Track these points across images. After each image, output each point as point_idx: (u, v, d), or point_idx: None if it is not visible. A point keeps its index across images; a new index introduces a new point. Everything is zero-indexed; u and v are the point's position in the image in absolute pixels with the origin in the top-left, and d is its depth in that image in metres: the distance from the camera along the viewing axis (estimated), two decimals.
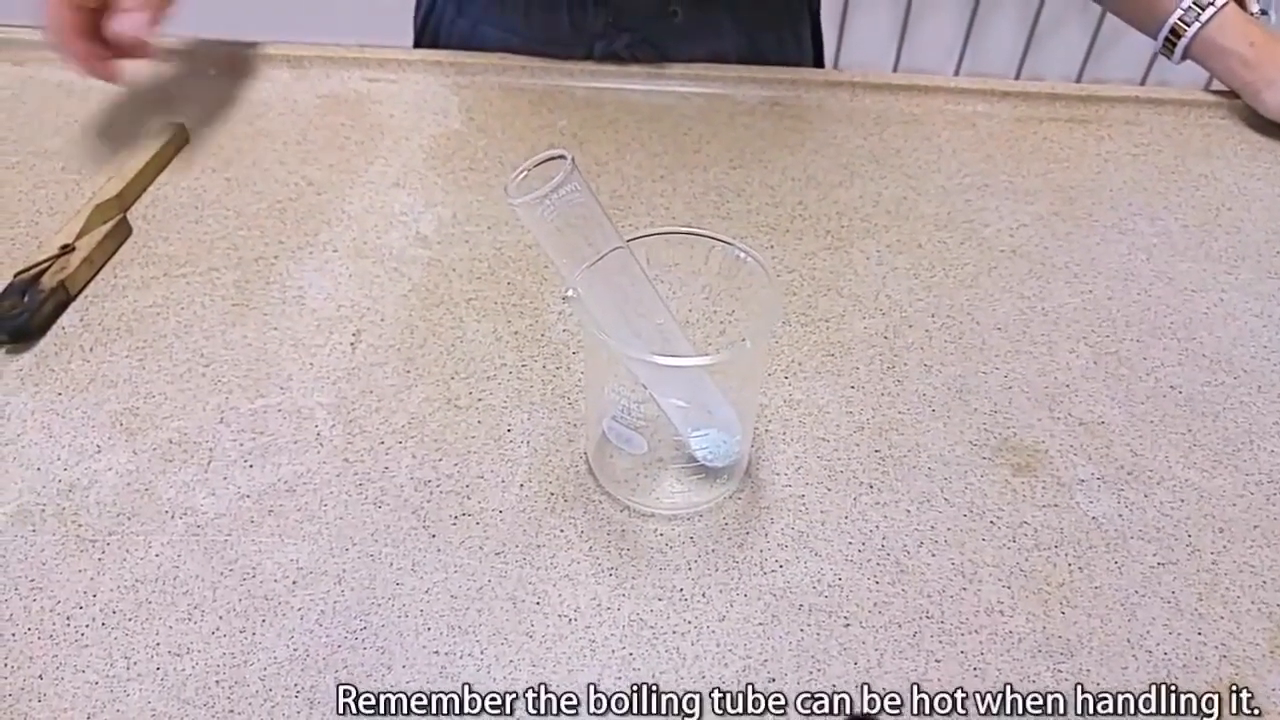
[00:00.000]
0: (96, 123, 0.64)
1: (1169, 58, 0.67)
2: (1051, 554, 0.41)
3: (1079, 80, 2.00)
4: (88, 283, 0.53)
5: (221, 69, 0.69)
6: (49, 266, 0.52)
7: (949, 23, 2.01)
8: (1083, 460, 0.45)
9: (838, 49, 2.03)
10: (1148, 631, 0.38)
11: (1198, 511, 0.42)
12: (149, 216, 0.57)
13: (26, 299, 0.50)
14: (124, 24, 0.53)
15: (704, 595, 0.40)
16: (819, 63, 0.82)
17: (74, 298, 0.52)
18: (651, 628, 0.39)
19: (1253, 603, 0.39)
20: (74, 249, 0.53)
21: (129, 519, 0.42)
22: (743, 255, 0.40)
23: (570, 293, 0.37)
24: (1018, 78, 2.05)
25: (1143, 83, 2.06)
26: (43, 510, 0.42)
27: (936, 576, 0.40)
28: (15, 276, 0.51)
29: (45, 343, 0.50)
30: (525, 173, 0.35)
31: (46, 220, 0.57)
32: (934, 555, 0.41)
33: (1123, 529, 0.42)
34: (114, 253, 0.55)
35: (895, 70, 2.08)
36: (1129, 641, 0.38)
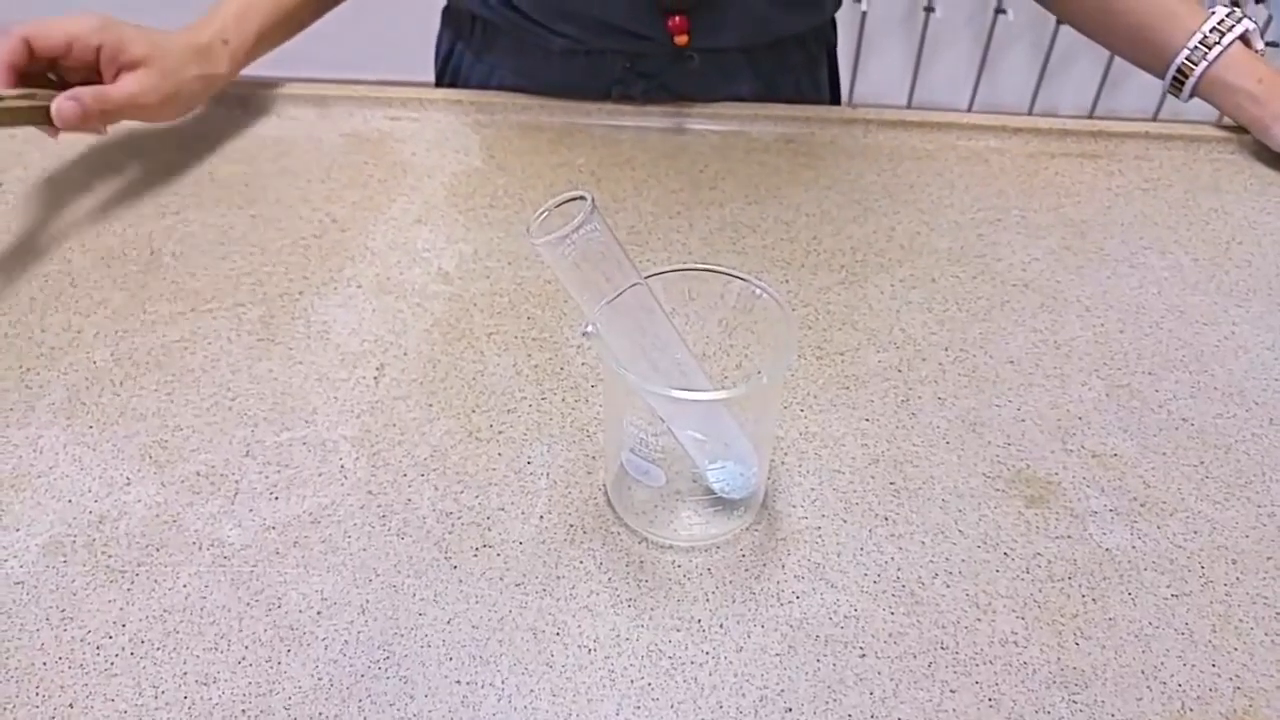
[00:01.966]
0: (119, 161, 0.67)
1: (1177, 96, 0.68)
2: (1065, 585, 0.42)
3: (1092, 113, 2.03)
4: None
5: (247, 107, 0.72)
6: None
7: (962, 57, 2.04)
8: (1096, 492, 0.46)
9: (852, 83, 2.07)
10: (1162, 663, 0.39)
11: (1211, 543, 0.43)
12: (176, 253, 0.59)
13: None
14: (63, 110, 0.58)
15: (721, 626, 0.41)
16: (835, 104, 0.84)
17: None
18: (670, 658, 0.39)
19: (1266, 634, 0.40)
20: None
21: (157, 550, 0.44)
22: (758, 290, 0.42)
23: (590, 328, 0.39)
24: (1031, 111, 2.08)
25: (1156, 116, 2.08)
26: (73, 541, 0.44)
27: (951, 608, 0.41)
28: None
29: (76, 377, 0.51)
30: (547, 212, 0.37)
31: (79, 258, 0.59)
32: (948, 586, 0.42)
33: (1136, 560, 0.43)
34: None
35: (909, 104, 2.11)
36: (1143, 673, 0.39)
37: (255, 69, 0.73)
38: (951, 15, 1.94)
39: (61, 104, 0.57)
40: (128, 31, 0.61)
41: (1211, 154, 0.69)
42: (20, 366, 0.52)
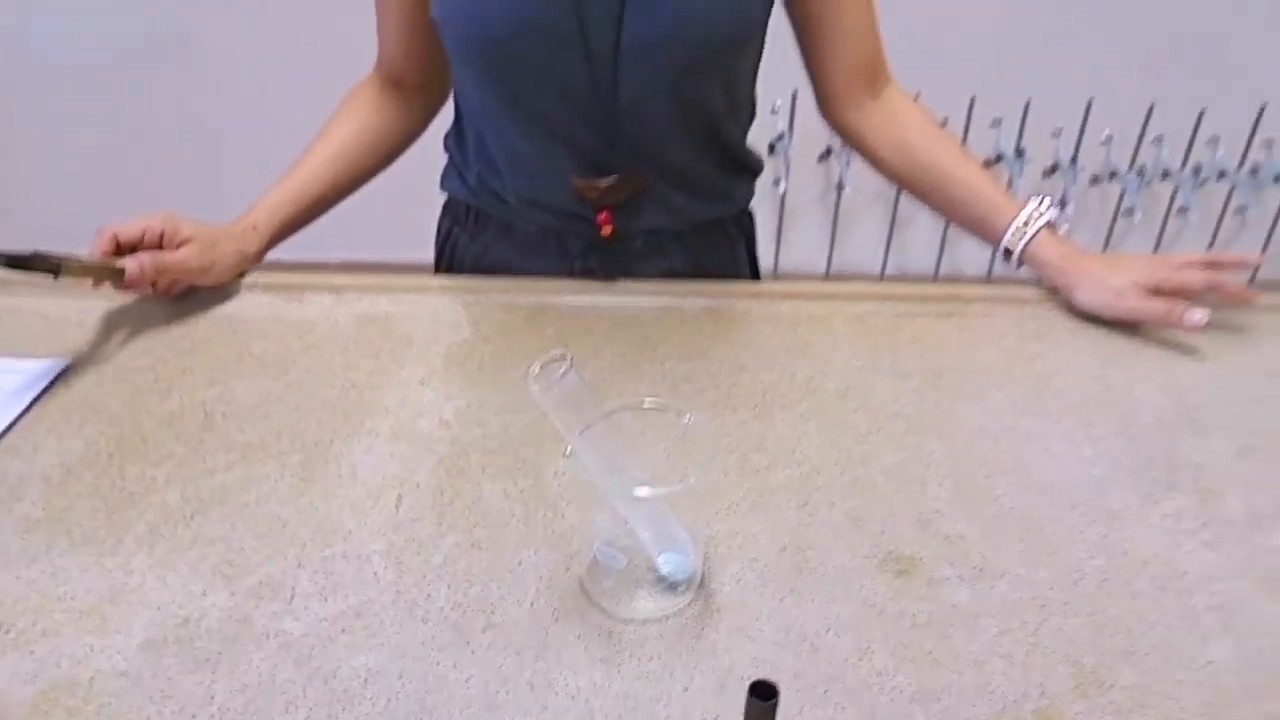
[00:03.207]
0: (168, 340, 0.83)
1: (1008, 264, 0.90)
2: (924, 631, 0.57)
3: (990, 272, 2.31)
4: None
5: (276, 296, 0.89)
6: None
7: (874, 227, 2.34)
8: (947, 565, 0.62)
9: (776, 254, 2.33)
10: (990, 679, 0.54)
11: (1027, 596, 0.59)
12: (226, 414, 0.74)
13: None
14: (130, 269, 0.81)
15: (671, 674, 0.55)
16: (755, 274, 1.06)
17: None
18: (634, 699, 0.53)
19: (1063, 656, 0.55)
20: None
21: (233, 642, 0.57)
22: (689, 421, 0.58)
23: (569, 450, 0.55)
24: (936, 273, 2.36)
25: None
26: (165, 639, 0.57)
27: (841, 652, 0.56)
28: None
29: (153, 514, 0.65)
30: (539, 367, 0.54)
31: (146, 421, 0.73)
32: (839, 637, 0.57)
33: (975, 611, 0.58)
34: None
35: (828, 271, 2.38)
36: (977, 688, 0.54)
37: (284, 256, 0.92)
38: (861, 192, 2.24)
39: (129, 264, 0.80)
40: (182, 220, 0.85)
41: (1036, 311, 0.89)
42: (107, 508, 0.65)
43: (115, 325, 0.84)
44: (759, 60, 0.90)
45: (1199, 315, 0.82)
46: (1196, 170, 2.13)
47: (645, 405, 0.59)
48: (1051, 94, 2.09)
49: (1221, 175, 2.17)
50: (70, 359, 0.79)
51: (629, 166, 0.87)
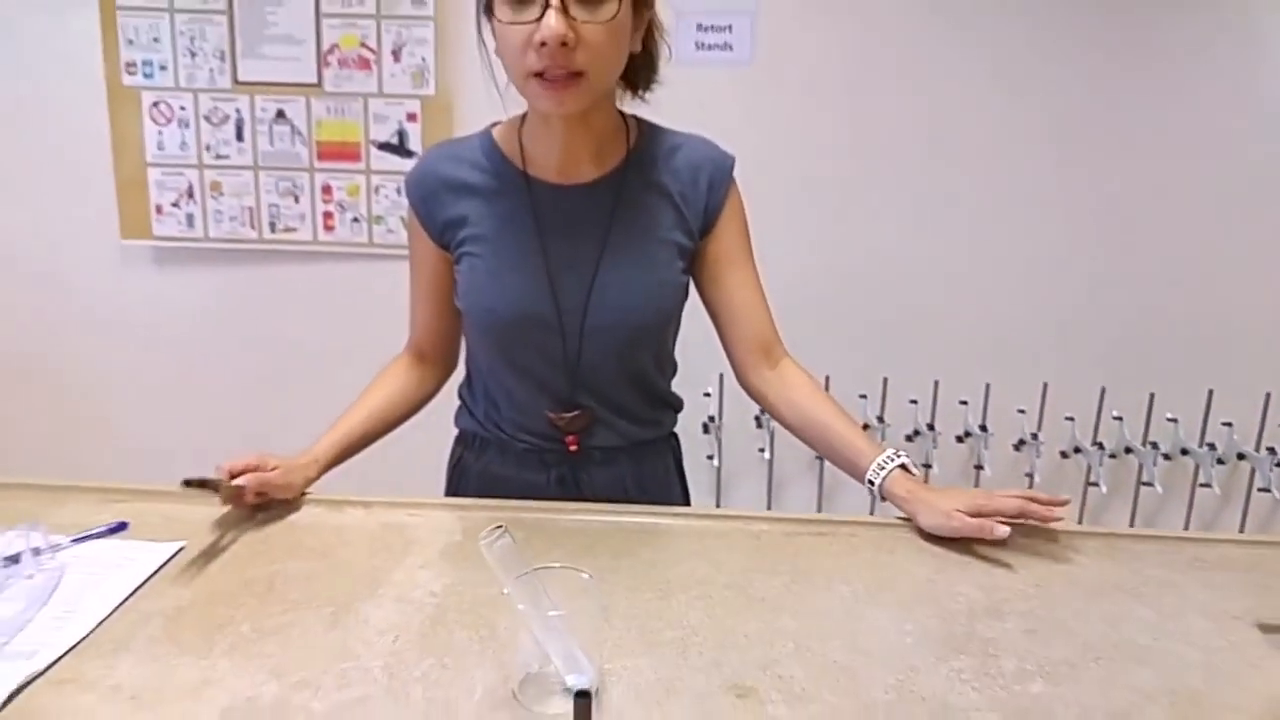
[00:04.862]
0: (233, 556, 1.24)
1: (872, 496, 1.28)
2: None
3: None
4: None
5: (326, 509, 1.31)
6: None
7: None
8: (775, 693, 0.95)
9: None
10: None
11: (829, 716, 0.92)
12: (285, 581, 1.13)
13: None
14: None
15: None
16: (684, 483, 1.50)
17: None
18: None
19: None
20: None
21: (279, 714, 0.92)
22: (588, 577, 0.96)
23: (506, 590, 0.92)
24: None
25: None
26: (235, 710, 0.92)
27: None
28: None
29: (236, 637, 1.02)
30: (485, 533, 0.93)
31: (231, 583, 1.12)
32: None
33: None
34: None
35: None
36: None
37: (330, 484, 1.35)
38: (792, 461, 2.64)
39: (241, 481, 1.23)
40: (270, 455, 1.28)
41: (895, 534, 1.26)
42: (203, 633, 1.03)
43: (214, 524, 1.26)
44: (677, 333, 1.40)
45: (1002, 530, 1.19)
46: (1155, 445, 2.51)
47: (558, 566, 0.97)
48: (1014, 377, 2.54)
49: (1184, 452, 2.54)
50: (184, 543, 1.21)
51: (587, 404, 1.35)
